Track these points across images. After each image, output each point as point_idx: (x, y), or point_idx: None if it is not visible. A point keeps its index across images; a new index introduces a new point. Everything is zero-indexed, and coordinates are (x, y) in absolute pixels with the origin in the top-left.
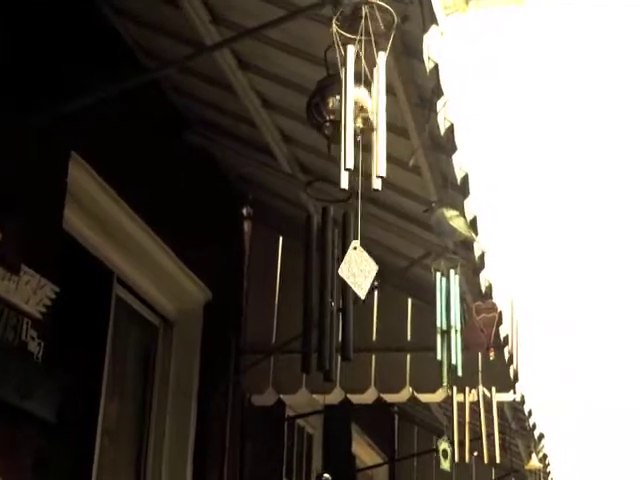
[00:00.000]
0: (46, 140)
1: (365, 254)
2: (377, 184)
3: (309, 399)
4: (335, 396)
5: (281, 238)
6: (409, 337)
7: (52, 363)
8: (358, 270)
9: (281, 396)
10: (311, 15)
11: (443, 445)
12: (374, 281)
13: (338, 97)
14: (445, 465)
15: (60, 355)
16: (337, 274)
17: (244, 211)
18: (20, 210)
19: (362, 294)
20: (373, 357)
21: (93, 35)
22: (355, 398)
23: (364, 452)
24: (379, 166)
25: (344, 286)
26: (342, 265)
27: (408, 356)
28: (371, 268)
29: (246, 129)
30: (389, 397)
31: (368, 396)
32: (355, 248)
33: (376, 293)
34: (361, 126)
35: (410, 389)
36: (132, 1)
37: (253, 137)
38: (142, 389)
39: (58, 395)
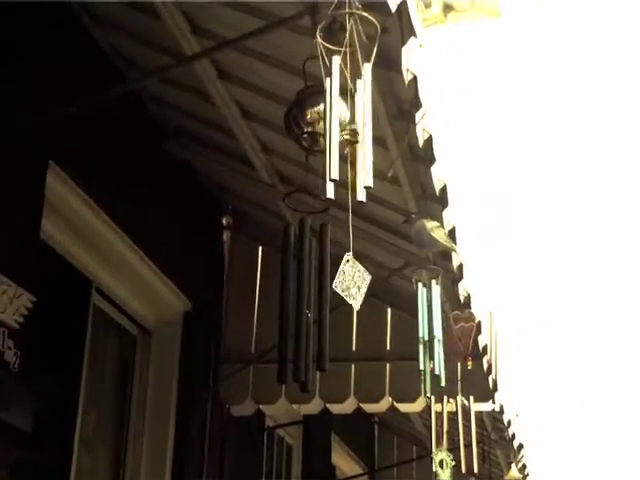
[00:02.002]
0: (23, 149)
1: (358, 265)
2: (362, 195)
3: (288, 409)
4: (314, 406)
5: (260, 248)
6: (388, 347)
7: (29, 373)
8: (352, 282)
9: (260, 406)
10: (291, 26)
11: (440, 455)
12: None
13: (316, 109)
14: (444, 476)
15: (37, 365)
16: (313, 284)
17: (224, 221)
18: None
19: (356, 306)
20: (352, 367)
21: (72, 44)
22: (334, 408)
23: (344, 462)
24: (366, 176)
25: (321, 296)
26: (336, 279)
27: (388, 366)
28: (364, 278)
29: (226, 139)
30: (369, 407)
31: (347, 406)
32: (348, 261)
33: None
34: (349, 137)
35: (389, 399)
36: (112, 11)
37: (233, 147)
38: (120, 398)
39: (35, 405)
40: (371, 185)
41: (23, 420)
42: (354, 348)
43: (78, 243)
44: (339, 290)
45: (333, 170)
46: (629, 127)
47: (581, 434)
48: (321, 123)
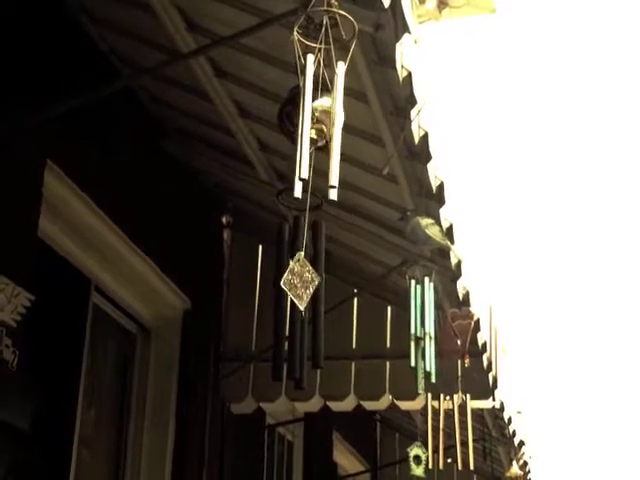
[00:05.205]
0: (21, 148)
1: (308, 265)
2: (333, 194)
3: (289, 407)
4: (314, 404)
5: (261, 246)
6: (388, 344)
7: (27, 372)
8: (299, 281)
9: (261, 404)
10: (286, 23)
11: (415, 451)
12: (353, 289)
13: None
14: (418, 471)
15: (36, 363)
16: None
17: (223, 219)
18: None
19: (301, 306)
20: (352, 364)
21: (69, 42)
22: (334, 406)
23: (345, 460)
24: (332, 176)
25: (315, 293)
26: (284, 276)
27: (387, 363)
28: (313, 280)
29: (224, 137)
30: (369, 404)
31: (347, 404)
32: (299, 260)
33: (355, 300)
34: (315, 136)
35: (390, 396)
36: (108, 8)
37: (231, 145)
38: (120, 397)
39: (33, 404)
40: (335, 185)
41: (21, 419)
42: (354, 346)
43: (77, 242)
44: (285, 288)
45: (303, 169)
46: (624, 121)
47: (582, 429)
48: (315, 120)
